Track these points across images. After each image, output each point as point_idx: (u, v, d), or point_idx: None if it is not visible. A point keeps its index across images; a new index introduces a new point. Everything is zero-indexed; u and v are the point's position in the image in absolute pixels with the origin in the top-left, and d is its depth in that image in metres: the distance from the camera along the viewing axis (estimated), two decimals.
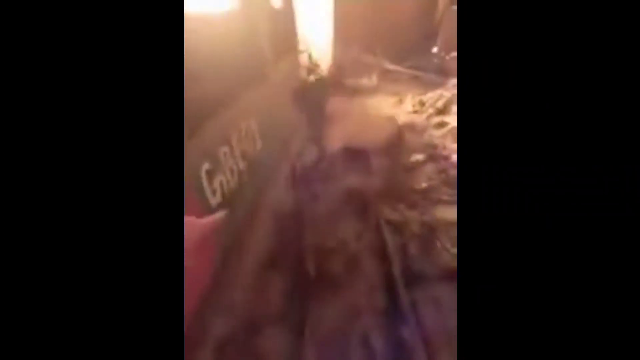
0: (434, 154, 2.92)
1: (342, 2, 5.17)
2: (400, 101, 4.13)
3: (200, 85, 1.20)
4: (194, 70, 1.16)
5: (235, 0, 1.58)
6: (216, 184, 1.15)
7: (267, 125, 1.69)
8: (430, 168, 2.74)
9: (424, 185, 2.51)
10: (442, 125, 3.42)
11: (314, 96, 1.93)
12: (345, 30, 5.12)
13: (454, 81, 3.84)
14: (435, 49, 5.01)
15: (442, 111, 3.68)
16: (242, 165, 1.37)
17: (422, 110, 3.82)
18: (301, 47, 3.00)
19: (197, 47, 1.21)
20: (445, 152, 2.92)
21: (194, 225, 0.41)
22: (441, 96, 3.84)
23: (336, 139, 1.95)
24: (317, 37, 4.05)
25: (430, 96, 3.97)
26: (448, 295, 1.48)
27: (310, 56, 3.85)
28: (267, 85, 1.81)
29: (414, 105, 4.00)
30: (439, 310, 1.42)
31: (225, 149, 1.24)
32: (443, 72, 4.41)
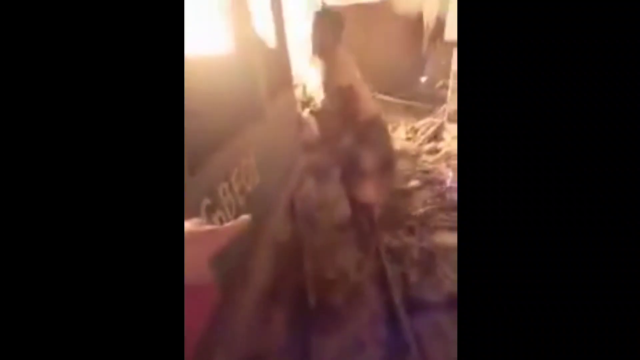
0: (428, 179, 2.98)
1: None
2: (394, 129, 4.25)
3: (202, 125, 1.26)
4: (195, 111, 1.23)
5: (232, 43, 1.69)
6: (215, 219, 1.18)
7: (266, 159, 1.74)
8: (425, 193, 2.79)
9: (420, 210, 2.54)
10: (435, 151, 3.51)
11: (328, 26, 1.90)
12: None
13: (443, 108, 3.98)
14: (423, 79, 5.22)
15: (433, 138, 3.79)
16: (240, 200, 1.40)
17: (415, 138, 3.93)
18: (295, 82, 3.15)
19: (199, 89, 1.28)
20: (440, 177, 2.99)
21: (216, 233, 0.38)
22: (432, 123, 3.97)
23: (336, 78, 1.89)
24: (310, 71, 4.23)
25: (421, 124, 4.10)
26: (450, 322, 1.47)
27: (304, 90, 4.00)
28: (265, 121, 1.87)
29: (407, 133, 4.12)
30: (442, 337, 1.41)
31: (225, 185, 1.28)
32: (432, 100, 4.57)
